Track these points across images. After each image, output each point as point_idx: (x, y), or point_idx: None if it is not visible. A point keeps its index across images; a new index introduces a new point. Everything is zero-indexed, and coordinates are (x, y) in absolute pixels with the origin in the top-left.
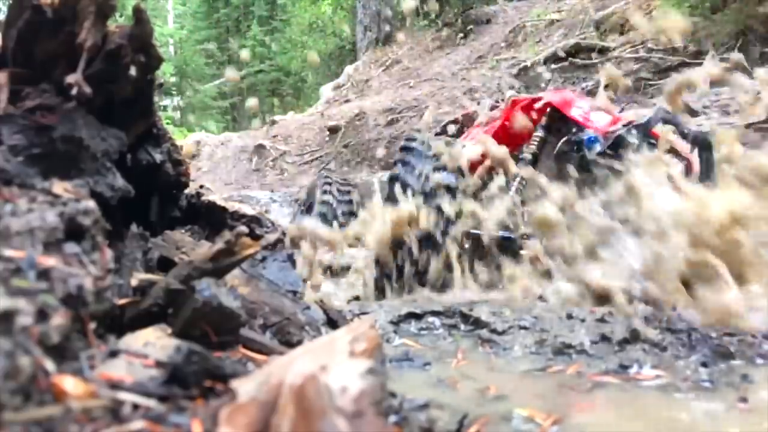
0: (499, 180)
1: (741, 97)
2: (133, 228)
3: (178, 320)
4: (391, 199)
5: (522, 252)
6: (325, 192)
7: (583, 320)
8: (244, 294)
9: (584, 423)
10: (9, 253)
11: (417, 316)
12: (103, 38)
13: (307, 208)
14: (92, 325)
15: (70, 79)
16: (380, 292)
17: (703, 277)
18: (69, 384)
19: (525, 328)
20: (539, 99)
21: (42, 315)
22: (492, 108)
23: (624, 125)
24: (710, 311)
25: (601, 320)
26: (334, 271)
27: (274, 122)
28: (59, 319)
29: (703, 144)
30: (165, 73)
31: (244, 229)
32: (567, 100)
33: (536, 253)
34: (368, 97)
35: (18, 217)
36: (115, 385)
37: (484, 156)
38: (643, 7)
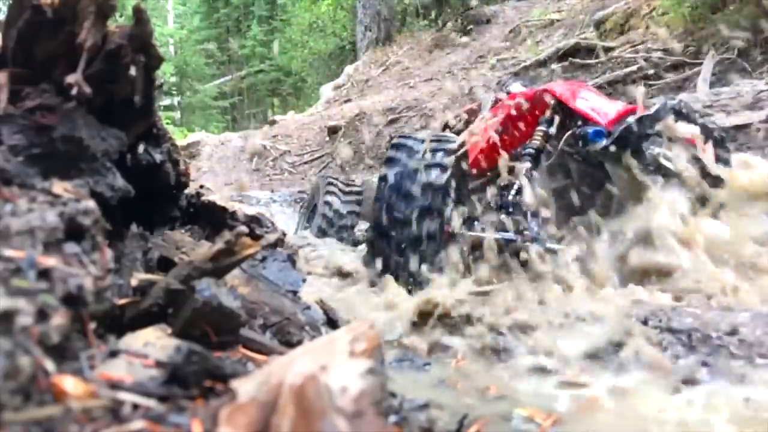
0: (501, 179)
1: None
2: (133, 228)
3: (178, 320)
4: (379, 199)
5: (524, 255)
6: (328, 193)
7: (583, 320)
8: (244, 294)
9: (584, 423)
10: (9, 253)
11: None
12: (103, 38)
13: (311, 211)
14: (92, 325)
15: (70, 79)
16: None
17: None
18: (69, 384)
19: (525, 328)
20: (542, 91)
21: (42, 315)
22: (495, 102)
23: (632, 117)
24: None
25: (601, 320)
26: None
27: (274, 122)
28: (59, 319)
29: (717, 136)
30: (165, 73)
31: (244, 229)
32: (571, 91)
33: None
34: (368, 97)
35: (18, 217)
36: (115, 385)
37: (482, 151)
38: (644, 7)
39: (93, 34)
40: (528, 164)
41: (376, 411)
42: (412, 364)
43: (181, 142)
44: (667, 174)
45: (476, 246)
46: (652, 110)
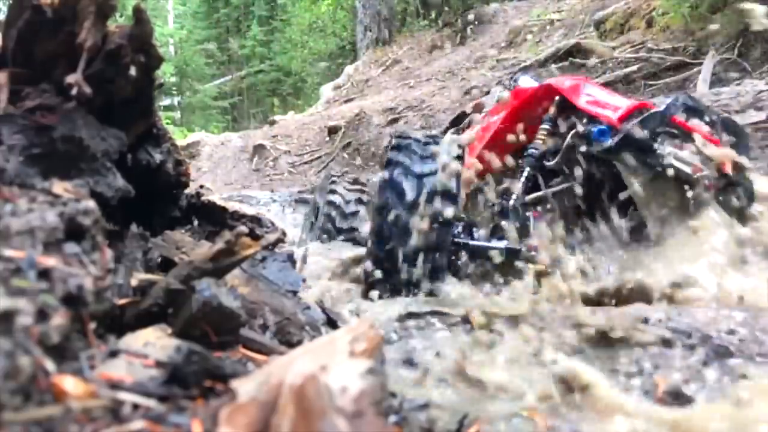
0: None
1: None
2: (133, 228)
3: (178, 320)
4: (382, 207)
5: (528, 265)
6: (331, 192)
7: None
8: (244, 294)
9: (583, 423)
10: (9, 253)
11: (417, 316)
12: (103, 38)
13: (316, 212)
14: (92, 325)
15: (70, 79)
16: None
17: None
18: (69, 384)
19: (524, 328)
20: (546, 87)
21: (42, 315)
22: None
23: (639, 115)
24: None
25: (600, 319)
26: None
27: (274, 122)
28: (59, 319)
29: (735, 130)
30: (165, 73)
31: (244, 229)
32: (575, 87)
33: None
34: (368, 97)
35: (18, 217)
36: (115, 385)
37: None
38: (644, 7)
39: (93, 34)
40: (528, 168)
41: (376, 411)
42: (412, 363)
43: (181, 142)
44: (679, 176)
45: (481, 255)
46: (662, 106)
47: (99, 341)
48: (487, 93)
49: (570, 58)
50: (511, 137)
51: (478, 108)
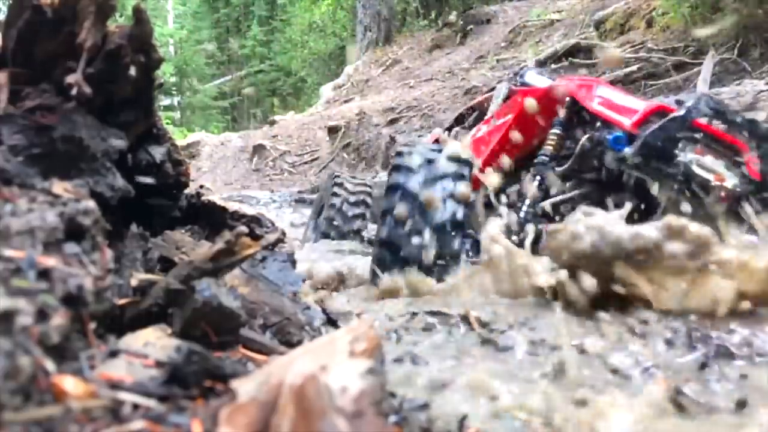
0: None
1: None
2: (133, 228)
3: (178, 320)
4: (387, 212)
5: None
6: (334, 194)
7: (582, 319)
8: (244, 294)
9: (583, 423)
10: (9, 253)
11: (417, 316)
12: (103, 38)
13: (319, 213)
14: (92, 325)
15: (70, 79)
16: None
17: None
18: (69, 384)
19: (524, 328)
20: (555, 87)
21: (42, 315)
22: (510, 95)
23: (657, 119)
24: None
25: (598, 319)
26: None
27: (274, 122)
28: (59, 319)
29: (764, 134)
30: (165, 73)
31: (244, 229)
32: (586, 89)
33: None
34: (368, 97)
35: (18, 217)
36: (115, 385)
37: (490, 156)
38: (643, 7)
39: (93, 34)
40: (539, 176)
41: (376, 411)
42: (412, 364)
43: (181, 142)
44: (702, 185)
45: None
46: (682, 109)
47: (99, 341)
48: (492, 90)
49: (570, 58)
50: (517, 138)
51: (482, 104)
